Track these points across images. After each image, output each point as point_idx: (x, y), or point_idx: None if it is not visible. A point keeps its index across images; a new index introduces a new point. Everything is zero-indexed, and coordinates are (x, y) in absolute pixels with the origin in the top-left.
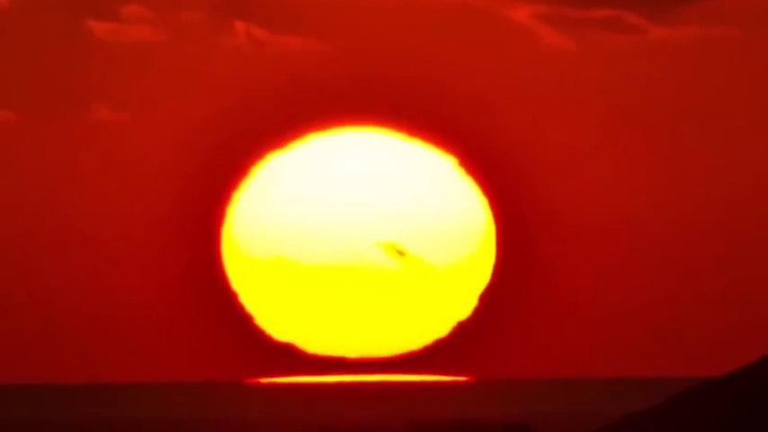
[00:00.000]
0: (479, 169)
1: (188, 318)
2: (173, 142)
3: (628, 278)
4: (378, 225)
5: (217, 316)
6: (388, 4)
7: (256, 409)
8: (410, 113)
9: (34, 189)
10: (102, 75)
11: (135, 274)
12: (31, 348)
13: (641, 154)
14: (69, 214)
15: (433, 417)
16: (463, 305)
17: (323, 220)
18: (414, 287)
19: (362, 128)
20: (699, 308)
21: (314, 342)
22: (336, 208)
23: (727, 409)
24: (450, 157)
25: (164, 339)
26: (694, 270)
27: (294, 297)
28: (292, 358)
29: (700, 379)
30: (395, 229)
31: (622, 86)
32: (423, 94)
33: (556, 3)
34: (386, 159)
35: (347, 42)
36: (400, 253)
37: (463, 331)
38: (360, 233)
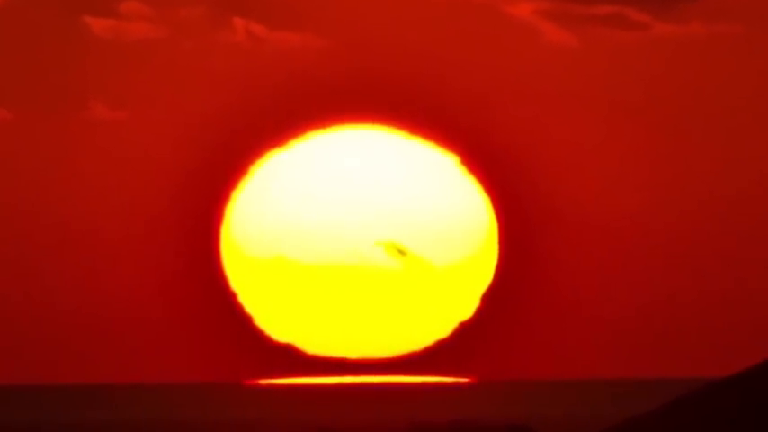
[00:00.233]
0: (481, 167)
1: (186, 318)
2: (171, 140)
3: (632, 277)
4: (378, 224)
5: (215, 316)
6: (389, 0)
7: (256, 410)
8: (411, 111)
9: (31, 188)
10: (99, 72)
11: (133, 273)
12: (28, 349)
13: (645, 151)
14: (66, 213)
15: (435, 418)
16: (465, 305)
17: (323, 219)
18: (415, 287)
19: (363, 125)
20: (704, 307)
21: (314, 343)
22: (336, 207)
23: (733, 411)
24: (451, 154)
25: (162, 340)
26: (699, 269)
27: (294, 297)
28: (292, 359)
29: (705, 380)
30: (396, 228)
31: (625, 83)
32: (423, 91)
33: None
34: (386, 157)
35: (347, 38)
36: (401, 252)
37: (465, 332)
38: (360, 232)
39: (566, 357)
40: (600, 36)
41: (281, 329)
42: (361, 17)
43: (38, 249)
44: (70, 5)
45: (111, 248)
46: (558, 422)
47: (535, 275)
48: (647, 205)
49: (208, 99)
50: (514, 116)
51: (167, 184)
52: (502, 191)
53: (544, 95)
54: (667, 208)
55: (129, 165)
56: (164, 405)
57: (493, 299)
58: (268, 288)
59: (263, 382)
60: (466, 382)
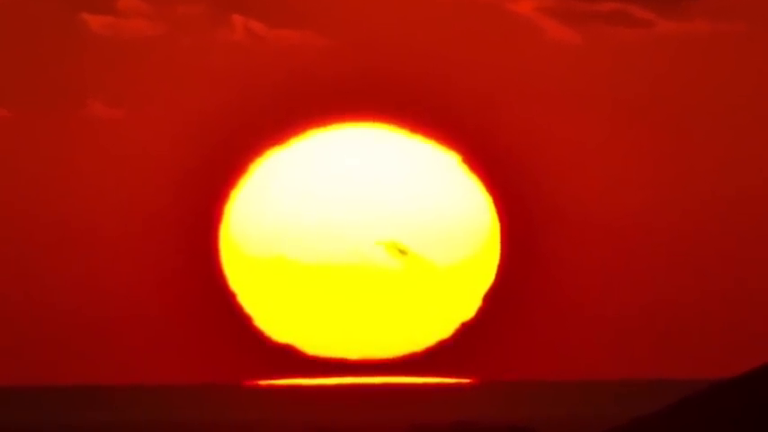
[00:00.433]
0: (483, 166)
1: (185, 318)
2: (169, 138)
3: (635, 277)
4: (379, 223)
5: (215, 316)
6: None
7: (255, 411)
8: (412, 109)
9: (29, 186)
10: (97, 69)
11: (131, 272)
12: (26, 349)
13: (649, 150)
14: (64, 212)
15: (436, 420)
16: (467, 305)
17: (323, 219)
18: (416, 287)
19: (363, 124)
20: (708, 308)
21: (314, 343)
22: (337, 206)
23: (737, 412)
24: (453, 153)
25: (160, 340)
26: (703, 269)
27: (294, 297)
28: (292, 360)
29: (709, 381)
30: (397, 227)
31: (629, 81)
32: (425, 89)
33: None
34: (388, 156)
35: (348, 36)
36: (402, 252)
37: (467, 332)
38: (361, 232)
39: (568, 358)
40: (603, 34)
41: (280, 330)
42: (361, 15)
43: (35, 249)
44: (68, 2)
45: (110, 248)
46: (560, 423)
47: (537, 275)
48: (651, 204)
49: (207, 97)
50: (517, 114)
51: (166, 183)
52: (504, 190)
53: (547, 93)
54: (671, 207)
55: (127, 163)
56: (162, 406)
57: (495, 299)
58: (268, 288)
59: (263, 383)
60: (467, 383)
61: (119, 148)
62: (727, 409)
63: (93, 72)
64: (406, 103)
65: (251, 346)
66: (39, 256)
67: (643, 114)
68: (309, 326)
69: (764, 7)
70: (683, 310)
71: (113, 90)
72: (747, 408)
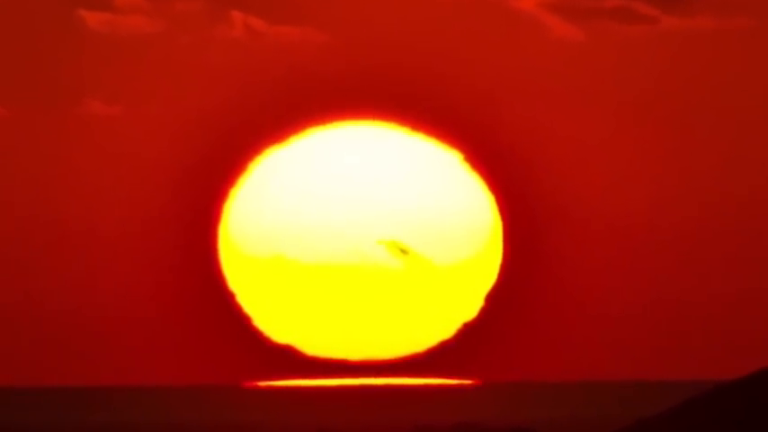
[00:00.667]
0: (485, 164)
1: (183, 318)
2: (167, 137)
3: (639, 277)
4: (380, 222)
5: (213, 317)
6: None
7: (255, 413)
8: (414, 107)
9: (25, 186)
10: (94, 67)
11: (129, 272)
12: (22, 350)
13: (653, 148)
14: (61, 211)
15: (438, 421)
16: (469, 305)
17: (323, 218)
18: (418, 287)
19: (364, 122)
20: (712, 308)
21: (314, 344)
22: (337, 205)
23: (742, 414)
24: (455, 151)
25: (158, 341)
26: (708, 268)
27: (294, 297)
28: (292, 360)
29: (714, 382)
30: (398, 226)
31: (633, 78)
32: (426, 87)
33: None
34: (388, 154)
35: (348, 33)
36: (403, 251)
37: (469, 332)
38: (362, 231)
39: (571, 358)
40: (607, 30)
41: (280, 330)
42: (362, 11)
43: (32, 248)
44: None
45: (107, 248)
46: (563, 424)
47: (540, 275)
48: (655, 203)
49: (205, 94)
50: (519, 112)
51: (164, 182)
52: (506, 188)
53: (550, 91)
54: (675, 205)
55: (124, 162)
56: (161, 407)
57: (497, 299)
58: (267, 288)
59: (262, 384)
60: (469, 384)
61: (116, 146)
62: (731, 410)
63: (90, 69)
64: (408, 100)
65: (250, 347)
66: (35, 256)
67: (647, 111)
68: (309, 326)
69: None
70: (687, 309)
71: (111, 87)
72: (752, 409)
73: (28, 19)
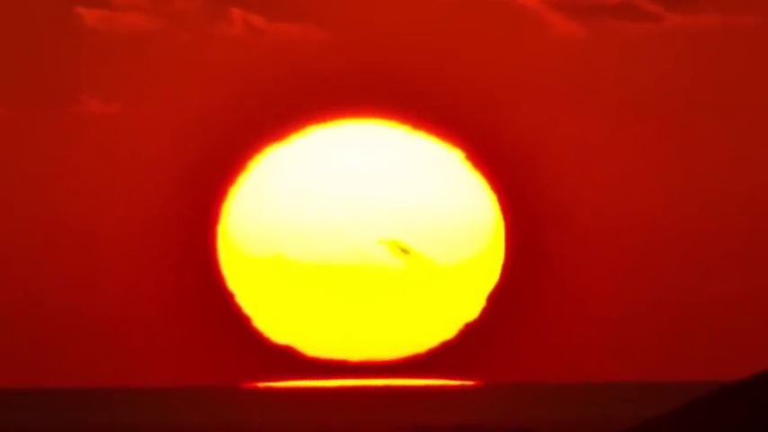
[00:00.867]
0: (487, 163)
1: (182, 319)
2: (166, 135)
3: (642, 277)
4: (381, 222)
5: (213, 317)
6: None
7: (254, 414)
8: (415, 105)
9: (21, 185)
10: (92, 64)
11: (127, 272)
12: (20, 351)
13: (656, 147)
14: (58, 211)
15: (439, 422)
16: (471, 306)
17: (323, 217)
18: (419, 287)
19: (365, 120)
20: (717, 308)
21: (314, 344)
22: (338, 204)
23: (746, 415)
24: (456, 150)
25: (157, 341)
26: (712, 269)
27: (293, 297)
28: (292, 361)
29: (717, 383)
30: (399, 225)
31: (637, 76)
32: (428, 85)
33: None
34: (389, 153)
35: (349, 30)
36: (405, 251)
37: (470, 333)
38: (362, 230)
39: (574, 359)
40: (610, 27)
41: (280, 331)
42: (363, 8)
43: (30, 248)
44: None
45: (106, 248)
46: (566, 426)
47: (543, 275)
48: (659, 202)
49: (204, 92)
50: (521, 110)
51: (162, 181)
52: (508, 187)
53: (552, 89)
54: (679, 205)
55: (122, 160)
56: (159, 409)
57: (499, 299)
58: (267, 288)
59: (262, 385)
60: (471, 385)
61: (114, 145)
62: (735, 412)
63: (88, 67)
64: (409, 98)
65: (250, 348)
66: (33, 256)
67: (651, 110)
68: (309, 327)
69: None
70: (691, 310)
71: (109, 86)
72: (757, 411)
73: (25, 16)
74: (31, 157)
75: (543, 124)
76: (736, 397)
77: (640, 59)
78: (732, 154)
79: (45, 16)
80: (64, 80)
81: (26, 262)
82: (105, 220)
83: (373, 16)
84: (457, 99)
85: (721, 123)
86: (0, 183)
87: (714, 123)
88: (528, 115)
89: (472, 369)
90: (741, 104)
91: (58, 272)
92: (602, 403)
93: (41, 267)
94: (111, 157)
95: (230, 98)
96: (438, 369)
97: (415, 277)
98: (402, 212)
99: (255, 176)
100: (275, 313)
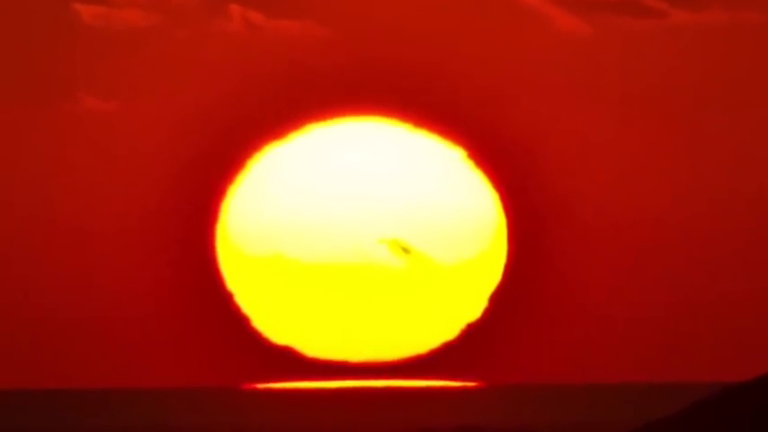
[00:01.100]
0: (489, 161)
1: (180, 319)
2: (164, 133)
3: (646, 277)
4: (381, 221)
5: (211, 317)
6: None
7: (253, 416)
8: (416, 102)
9: (18, 183)
10: (89, 61)
11: (124, 272)
12: (13, 351)
13: (661, 145)
14: (54, 210)
15: (441, 424)
16: (472, 306)
17: (323, 216)
18: (420, 287)
19: (365, 118)
20: (722, 308)
21: (314, 345)
22: (338, 203)
23: (752, 417)
24: (457, 148)
25: (154, 342)
26: (718, 268)
27: (293, 297)
28: (291, 362)
29: (723, 384)
30: (400, 224)
31: (641, 73)
32: (429, 82)
33: None
34: (390, 151)
35: (349, 27)
36: (406, 250)
37: (472, 334)
38: (363, 229)
39: (577, 360)
40: (614, 24)
41: (279, 331)
42: (363, 4)
43: (26, 248)
44: None
45: (102, 247)
46: (568, 427)
47: (546, 274)
48: (663, 201)
49: (203, 90)
50: (524, 107)
51: (161, 179)
52: (511, 186)
53: (555, 86)
54: (684, 204)
55: (119, 159)
56: (156, 410)
57: (501, 299)
58: (266, 288)
59: (261, 386)
60: (473, 387)
61: (111, 142)
62: (741, 414)
63: (84, 64)
64: (410, 96)
65: (249, 348)
66: (29, 256)
67: (655, 108)
68: (309, 327)
69: None
70: (696, 310)
71: (106, 83)
72: (763, 413)
73: (21, 12)
74: (28, 156)
75: (546, 122)
76: (742, 399)
77: (644, 56)
78: (737, 151)
79: (41, 12)
80: (60, 77)
81: (22, 261)
82: (102, 219)
83: (373, 12)
84: (458, 96)
85: (727, 120)
86: None
87: (719, 120)
88: (530, 112)
89: (474, 370)
90: (746, 102)
91: (55, 271)
92: (605, 405)
93: (38, 267)
94: (108, 156)
95: (229, 96)
96: (439, 370)
97: (416, 277)
98: (403, 211)
99: (254, 175)
100: (274, 313)
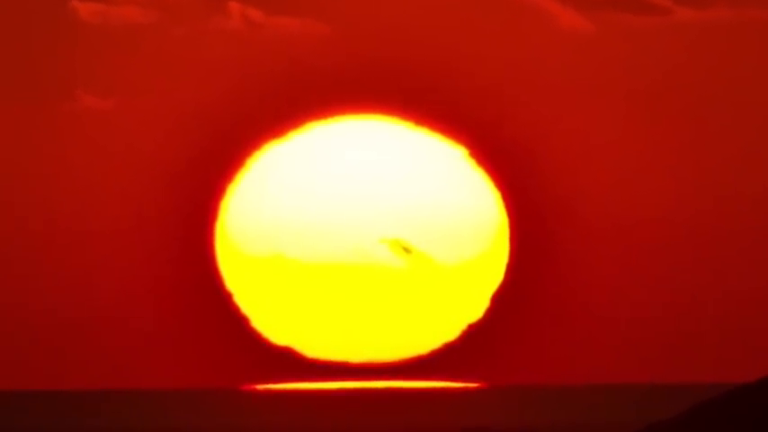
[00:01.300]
0: (491, 160)
1: (179, 319)
2: (163, 131)
3: (651, 277)
4: (382, 220)
5: (210, 318)
6: None
7: (252, 417)
8: (417, 100)
9: (14, 183)
10: (86, 59)
11: (123, 272)
12: (13, 352)
13: (665, 143)
14: (52, 209)
15: (442, 425)
16: (474, 306)
17: (323, 215)
18: (421, 287)
19: (366, 116)
20: (727, 308)
21: (314, 346)
22: (338, 202)
23: (756, 419)
24: (459, 147)
25: (152, 342)
26: (722, 268)
27: (293, 297)
28: (291, 363)
29: (727, 385)
30: (401, 224)
31: (645, 71)
32: (430, 80)
33: None
34: (391, 150)
35: (349, 24)
36: (407, 250)
37: (474, 334)
38: (363, 229)
39: (580, 361)
40: (617, 21)
41: (279, 332)
42: (363, 1)
43: (23, 247)
44: None
45: (100, 247)
46: (570, 429)
47: (548, 274)
48: (668, 200)
49: (202, 88)
50: (526, 106)
51: (159, 178)
52: (513, 185)
53: (558, 84)
54: (689, 203)
55: (118, 157)
56: (155, 412)
57: (503, 299)
58: (266, 288)
59: (261, 387)
60: (475, 388)
61: (109, 141)
62: (745, 415)
63: (82, 62)
64: (411, 94)
65: (248, 349)
66: (27, 256)
67: (659, 106)
68: (309, 328)
69: None
70: (700, 310)
71: (103, 81)
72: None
73: (17, 9)
74: (26, 154)
75: (549, 120)
76: (746, 400)
77: (648, 54)
78: (742, 149)
79: (38, 9)
80: (57, 75)
81: (20, 261)
82: (101, 218)
83: (374, 10)
84: (460, 94)
85: (731, 119)
86: None
87: (724, 119)
88: (533, 111)
89: (475, 371)
90: (751, 99)
91: (53, 270)
92: (608, 406)
93: (36, 266)
94: (106, 154)
95: (228, 94)
96: (441, 371)
97: (417, 277)
98: (404, 211)
99: (254, 174)
100: (274, 314)
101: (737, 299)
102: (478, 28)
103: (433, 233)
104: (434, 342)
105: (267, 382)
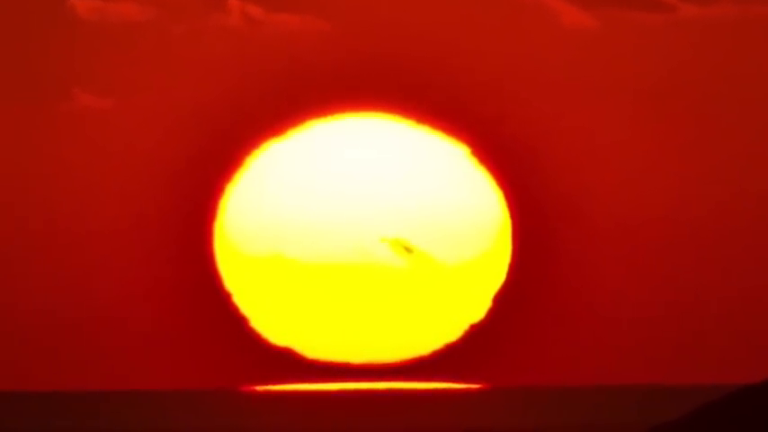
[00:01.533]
0: (493, 159)
1: (178, 320)
2: (161, 130)
3: (654, 277)
4: (383, 219)
5: (209, 318)
6: None
7: (252, 418)
8: (418, 98)
9: (11, 183)
10: (84, 57)
11: (121, 272)
12: (9, 353)
13: (670, 142)
14: (51, 208)
15: (444, 426)
16: (476, 306)
17: (324, 214)
18: (423, 287)
19: (367, 114)
20: (732, 309)
21: (314, 346)
22: (338, 201)
23: (760, 419)
24: (461, 145)
25: (151, 343)
26: (727, 268)
27: (293, 297)
28: (291, 364)
29: (731, 387)
30: (402, 223)
31: (650, 69)
32: (432, 77)
33: None
34: (392, 148)
35: (350, 21)
36: (408, 250)
37: (476, 335)
38: (364, 228)
39: (583, 362)
40: (621, 18)
41: (279, 332)
42: None
43: (21, 247)
44: None
45: (99, 246)
46: (574, 431)
47: (551, 275)
48: (672, 199)
49: (201, 86)
50: (529, 104)
51: (158, 177)
52: (516, 184)
53: (561, 82)
54: (693, 202)
55: (116, 156)
56: (154, 413)
57: (506, 300)
58: (265, 288)
59: (260, 388)
60: (477, 389)
61: (107, 140)
62: (750, 416)
63: (79, 60)
64: (412, 91)
65: (247, 349)
66: (25, 256)
67: (664, 104)
68: (309, 328)
69: None
70: (705, 310)
71: (101, 79)
72: None
73: (15, 6)
74: (24, 154)
75: (552, 118)
76: (751, 401)
77: (652, 51)
78: (747, 148)
79: (35, 6)
80: (55, 73)
81: (18, 261)
82: (99, 218)
83: (374, 7)
84: (462, 92)
85: (737, 116)
86: None
87: (729, 116)
88: (536, 109)
89: (477, 371)
90: (757, 97)
91: (51, 271)
92: (611, 407)
93: (33, 266)
94: (105, 154)
95: (228, 91)
96: (442, 372)
97: (418, 277)
98: (405, 210)
99: (253, 172)
100: (274, 314)
101: (742, 299)
102: (480, 24)
103: (435, 232)
104: (436, 342)
105: (267, 383)
